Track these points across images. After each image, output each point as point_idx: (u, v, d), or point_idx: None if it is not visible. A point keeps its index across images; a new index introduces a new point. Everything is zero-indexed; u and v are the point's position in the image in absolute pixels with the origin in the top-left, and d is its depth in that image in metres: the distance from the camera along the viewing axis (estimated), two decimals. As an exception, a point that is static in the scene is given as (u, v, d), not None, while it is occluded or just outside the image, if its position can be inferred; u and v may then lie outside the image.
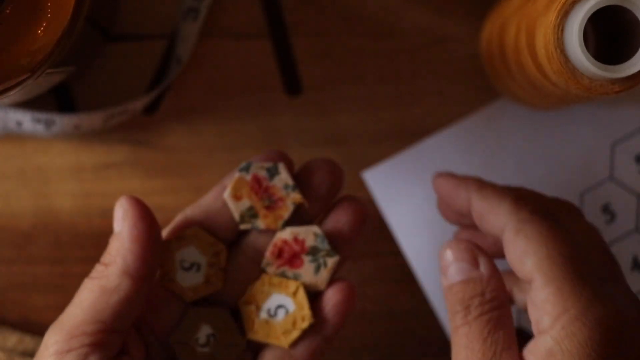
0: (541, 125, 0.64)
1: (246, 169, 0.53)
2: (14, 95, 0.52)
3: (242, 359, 0.54)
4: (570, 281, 0.47)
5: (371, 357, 0.64)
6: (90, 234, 0.65)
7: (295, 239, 0.54)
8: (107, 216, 0.64)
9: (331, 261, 0.55)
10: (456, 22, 0.64)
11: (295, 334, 0.53)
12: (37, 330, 0.65)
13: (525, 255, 0.48)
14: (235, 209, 0.53)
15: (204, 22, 0.64)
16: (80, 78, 0.64)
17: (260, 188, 0.54)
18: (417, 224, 0.64)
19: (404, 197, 0.64)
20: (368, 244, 0.64)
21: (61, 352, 0.49)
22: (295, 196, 0.53)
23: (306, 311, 0.53)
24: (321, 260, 0.55)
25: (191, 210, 0.54)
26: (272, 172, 0.53)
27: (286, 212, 0.54)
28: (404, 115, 0.64)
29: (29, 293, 0.65)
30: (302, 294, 0.53)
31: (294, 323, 0.53)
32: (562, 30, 0.49)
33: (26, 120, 0.61)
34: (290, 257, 0.55)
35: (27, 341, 0.64)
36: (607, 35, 0.54)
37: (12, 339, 0.64)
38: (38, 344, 0.64)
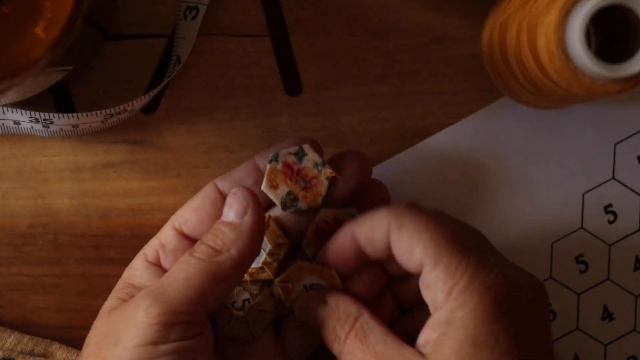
0: (542, 125, 0.64)
1: (275, 158, 0.57)
2: (13, 94, 0.52)
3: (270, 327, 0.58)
4: (456, 257, 0.50)
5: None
6: (88, 234, 0.64)
7: (335, 219, 0.58)
8: (106, 216, 0.64)
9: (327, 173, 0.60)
10: (457, 21, 0.64)
11: None
12: (36, 330, 0.64)
13: (413, 246, 0.51)
14: (276, 198, 0.57)
15: (203, 21, 0.63)
16: (78, 77, 0.64)
17: (292, 172, 0.57)
18: (417, 225, 0.64)
19: (404, 197, 0.64)
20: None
21: (166, 325, 0.51)
22: (327, 171, 0.57)
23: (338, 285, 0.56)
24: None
25: (221, 183, 0.58)
26: (300, 155, 0.57)
27: (322, 187, 0.57)
28: (404, 115, 0.64)
29: (27, 293, 0.65)
30: (336, 278, 0.56)
31: None
32: (564, 29, 0.49)
33: (24, 120, 0.61)
34: (330, 236, 0.58)
35: (26, 341, 0.64)
36: (609, 35, 0.54)
37: (11, 339, 0.64)
38: (36, 344, 0.64)
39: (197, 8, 0.63)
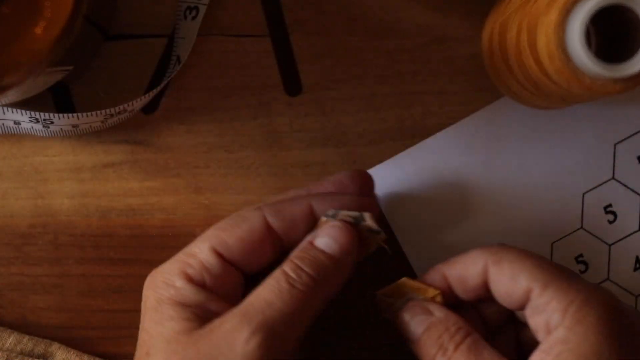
0: (542, 125, 0.64)
1: (333, 216, 0.55)
2: (13, 94, 0.52)
3: None
4: (565, 278, 0.52)
5: (371, 357, 0.64)
6: (88, 234, 0.64)
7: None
8: (106, 216, 0.64)
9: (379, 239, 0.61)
10: (457, 21, 0.64)
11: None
12: (35, 330, 0.64)
13: (517, 275, 0.52)
14: None
15: (203, 21, 0.63)
16: (78, 77, 0.64)
17: None
18: (417, 224, 0.64)
19: (404, 197, 0.64)
20: (368, 245, 0.64)
21: (269, 350, 0.50)
22: (379, 238, 0.56)
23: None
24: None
25: (272, 218, 0.54)
26: (358, 220, 0.55)
27: (371, 247, 0.56)
28: (404, 115, 0.64)
29: (27, 293, 0.65)
30: (441, 299, 0.56)
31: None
32: (564, 29, 0.49)
33: (24, 120, 0.61)
34: None
35: (25, 341, 0.64)
36: (609, 35, 0.54)
37: (10, 339, 0.64)
38: (36, 345, 0.64)
39: (197, 8, 0.63)
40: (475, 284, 0.54)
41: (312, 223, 0.55)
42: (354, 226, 0.54)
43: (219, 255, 0.53)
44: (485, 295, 0.55)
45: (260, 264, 0.54)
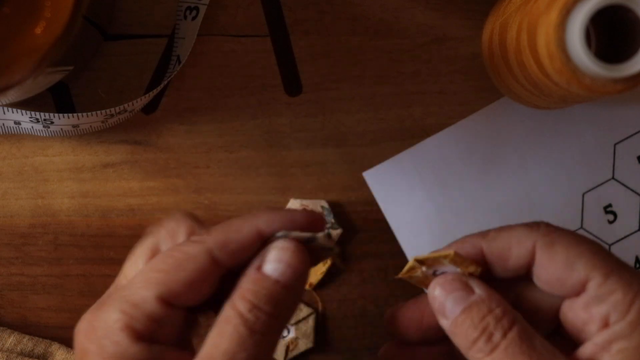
0: (543, 125, 0.64)
1: (283, 237, 0.49)
2: (13, 94, 0.52)
3: None
4: (625, 268, 0.47)
5: (371, 357, 0.64)
6: (89, 234, 0.64)
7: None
8: (106, 216, 0.64)
9: (335, 233, 0.62)
10: (457, 21, 0.64)
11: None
12: (36, 331, 0.64)
13: (574, 261, 0.48)
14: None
15: (203, 21, 0.63)
16: (79, 77, 0.64)
17: None
18: (417, 224, 0.64)
19: (404, 197, 0.64)
20: (368, 244, 0.64)
21: None
22: (333, 253, 0.52)
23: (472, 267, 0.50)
24: (327, 232, 0.57)
25: (219, 252, 0.48)
26: (310, 241, 0.49)
27: (324, 265, 0.53)
28: (404, 115, 0.64)
29: (27, 293, 0.65)
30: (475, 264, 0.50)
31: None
32: (564, 29, 0.49)
33: (25, 120, 0.61)
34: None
35: (25, 342, 0.64)
36: (609, 35, 0.54)
37: (10, 339, 0.64)
38: (36, 345, 0.64)
39: (197, 8, 0.63)
40: (517, 264, 0.49)
41: (260, 247, 0.49)
42: (306, 244, 0.49)
43: (166, 303, 0.47)
44: (520, 277, 0.50)
45: (205, 297, 0.48)
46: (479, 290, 0.48)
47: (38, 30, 0.51)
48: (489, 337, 0.47)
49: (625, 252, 0.64)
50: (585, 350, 0.47)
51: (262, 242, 0.48)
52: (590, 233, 0.64)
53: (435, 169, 0.64)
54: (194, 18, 0.63)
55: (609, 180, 0.64)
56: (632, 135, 0.64)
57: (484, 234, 0.50)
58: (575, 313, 0.48)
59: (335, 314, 0.64)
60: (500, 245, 0.49)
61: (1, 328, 0.64)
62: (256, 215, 0.49)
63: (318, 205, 0.63)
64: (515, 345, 0.46)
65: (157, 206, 0.64)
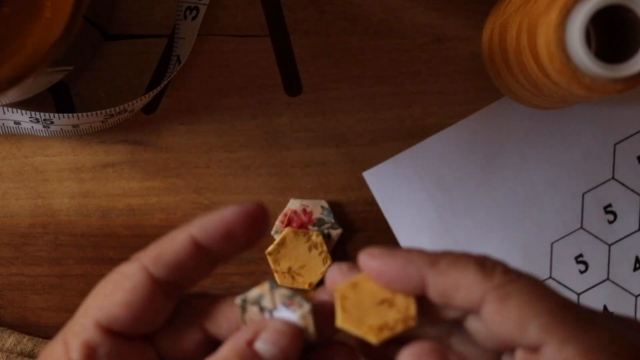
0: (542, 125, 0.64)
1: (272, 288, 0.45)
2: (13, 94, 0.52)
3: None
4: (587, 332, 0.42)
5: (371, 358, 0.64)
6: (88, 234, 0.64)
7: (304, 210, 0.58)
8: (106, 216, 0.64)
9: (335, 233, 0.63)
10: (457, 21, 0.64)
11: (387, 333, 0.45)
12: (35, 331, 0.64)
13: (526, 321, 0.42)
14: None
15: (203, 21, 0.63)
16: (79, 77, 0.64)
17: None
18: (417, 224, 0.64)
19: (404, 197, 0.64)
20: (368, 244, 0.64)
21: None
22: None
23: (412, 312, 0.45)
24: (326, 232, 0.61)
25: (155, 267, 0.45)
26: (293, 297, 0.45)
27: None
28: (404, 115, 0.64)
29: (27, 293, 0.65)
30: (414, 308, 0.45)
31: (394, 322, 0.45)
32: (564, 29, 0.49)
33: (25, 120, 0.61)
34: (298, 226, 0.60)
35: (25, 342, 0.64)
36: (609, 35, 0.54)
37: (10, 339, 0.64)
38: (36, 345, 0.64)
39: (197, 8, 0.63)
40: (459, 307, 0.43)
41: (200, 256, 0.45)
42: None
43: (107, 330, 0.44)
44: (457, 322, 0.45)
45: (158, 320, 0.45)
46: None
47: (38, 30, 0.51)
48: None
49: (625, 252, 0.64)
50: None
51: (201, 253, 0.45)
52: (590, 233, 0.64)
53: (435, 169, 0.64)
54: (194, 18, 0.63)
55: (609, 180, 0.64)
56: (632, 135, 0.64)
57: (433, 262, 0.44)
58: None
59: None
60: (448, 283, 0.43)
61: (1, 328, 0.64)
62: (190, 223, 0.45)
63: (318, 205, 0.63)
64: None
65: (157, 206, 0.64)
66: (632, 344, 0.42)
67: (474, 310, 0.43)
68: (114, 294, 0.44)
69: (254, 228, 0.45)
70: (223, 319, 0.45)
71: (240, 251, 0.45)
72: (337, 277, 0.45)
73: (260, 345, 0.44)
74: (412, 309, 0.44)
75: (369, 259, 0.45)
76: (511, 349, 0.43)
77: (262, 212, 0.45)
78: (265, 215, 0.45)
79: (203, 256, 0.45)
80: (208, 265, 0.45)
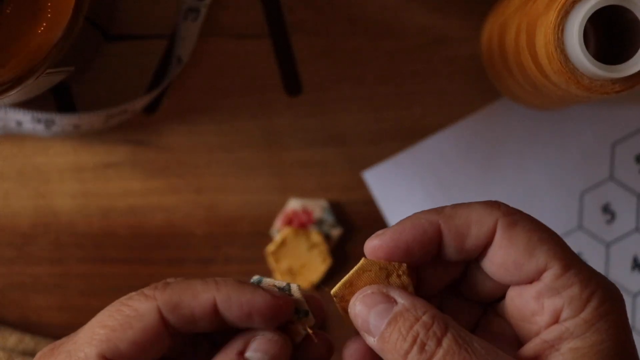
0: (541, 125, 0.64)
1: (257, 282, 0.47)
2: (14, 94, 0.52)
3: None
4: (585, 265, 0.44)
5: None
6: (90, 234, 0.64)
7: (304, 210, 0.58)
8: (107, 216, 0.64)
9: (335, 233, 0.63)
10: (457, 21, 0.64)
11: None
12: (37, 330, 0.65)
13: (534, 246, 0.44)
14: None
15: (204, 22, 0.64)
16: (80, 78, 0.64)
17: None
18: (417, 224, 0.64)
19: (404, 197, 0.64)
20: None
21: None
22: (309, 321, 0.47)
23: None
24: (326, 232, 0.62)
25: (169, 313, 0.45)
26: (285, 291, 0.47)
27: (296, 337, 0.47)
28: (404, 115, 0.64)
29: (29, 293, 0.65)
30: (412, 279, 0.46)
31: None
32: (563, 30, 0.49)
33: (26, 120, 0.61)
34: (298, 226, 0.60)
35: (27, 341, 0.64)
36: (608, 35, 0.54)
37: (12, 338, 0.64)
38: (38, 344, 0.64)
39: (197, 9, 0.63)
40: (475, 244, 0.45)
41: (214, 319, 0.45)
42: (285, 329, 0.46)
43: None
44: (471, 259, 0.46)
45: (159, 355, 0.46)
46: (401, 299, 0.44)
47: (39, 31, 0.51)
48: (422, 347, 0.43)
49: (623, 252, 0.64)
50: (533, 346, 0.44)
51: (216, 317, 0.45)
52: (589, 232, 0.64)
53: (435, 169, 0.64)
54: (194, 19, 0.63)
55: (607, 180, 0.64)
56: (630, 135, 0.64)
57: (438, 210, 0.45)
58: (524, 301, 0.45)
59: (336, 313, 0.64)
60: (459, 222, 0.45)
61: (3, 327, 0.64)
62: (218, 284, 0.45)
63: (318, 205, 0.63)
64: (454, 353, 0.42)
65: (157, 206, 0.64)
66: (618, 289, 0.44)
67: (486, 243, 0.45)
68: (123, 330, 0.44)
69: (276, 317, 0.45)
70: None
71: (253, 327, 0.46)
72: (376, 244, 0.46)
73: (252, 355, 0.45)
74: (404, 266, 0.45)
75: (379, 237, 0.45)
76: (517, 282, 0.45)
77: (288, 307, 0.46)
78: (289, 309, 0.46)
79: (215, 319, 0.45)
80: (213, 326, 0.46)
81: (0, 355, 0.63)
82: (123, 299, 0.46)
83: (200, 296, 0.45)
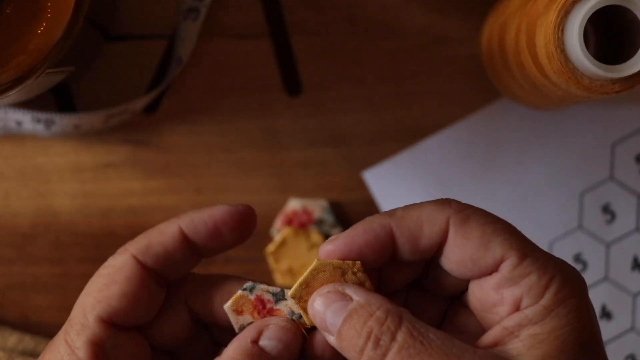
0: (541, 125, 0.64)
1: (250, 289, 0.47)
2: (14, 95, 0.52)
3: None
4: (542, 252, 0.44)
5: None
6: (90, 233, 0.64)
7: (304, 210, 0.58)
8: (107, 216, 0.64)
9: (335, 233, 0.63)
10: (456, 21, 0.64)
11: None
12: (37, 330, 0.65)
13: (489, 239, 0.44)
14: (235, 322, 0.49)
15: (204, 22, 0.64)
16: (80, 78, 0.64)
17: (264, 309, 0.49)
18: (417, 224, 0.64)
19: (404, 197, 0.64)
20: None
21: None
22: (301, 323, 0.48)
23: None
24: (326, 232, 0.62)
25: (143, 256, 0.46)
26: (278, 297, 0.48)
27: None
28: (404, 115, 0.64)
29: (29, 293, 0.65)
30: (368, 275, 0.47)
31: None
32: (563, 30, 0.49)
33: (26, 120, 0.61)
34: (298, 226, 0.60)
35: (27, 341, 0.64)
36: (608, 35, 0.54)
37: (12, 338, 0.64)
38: (38, 344, 0.64)
39: (198, 9, 0.63)
40: (429, 243, 0.45)
41: (187, 249, 0.47)
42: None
43: (109, 323, 0.46)
44: (428, 259, 0.46)
45: (153, 309, 0.47)
46: (356, 296, 0.44)
47: (39, 31, 0.51)
48: (376, 342, 0.43)
49: (623, 252, 0.64)
50: (493, 333, 0.44)
51: (189, 246, 0.46)
52: (589, 232, 0.64)
53: (435, 169, 0.64)
54: (195, 19, 0.63)
55: (607, 180, 0.64)
56: (630, 135, 0.64)
57: (390, 213, 0.46)
58: (485, 293, 0.45)
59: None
60: (411, 223, 0.45)
61: (3, 327, 0.64)
62: (179, 216, 0.47)
63: (318, 205, 0.63)
64: (409, 346, 0.42)
65: (158, 206, 0.64)
66: (578, 273, 0.45)
67: (440, 241, 0.45)
68: (108, 287, 0.46)
69: (241, 229, 0.47)
70: (207, 299, 0.47)
71: (225, 249, 0.47)
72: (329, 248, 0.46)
73: (266, 343, 0.45)
74: (358, 263, 0.45)
75: (332, 242, 0.46)
76: (476, 276, 0.45)
77: (250, 214, 0.47)
78: (252, 217, 0.47)
79: (189, 250, 0.46)
80: (193, 259, 0.47)
81: (0, 355, 0.63)
82: (100, 268, 0.47)
83: (166, 231, 0.46)
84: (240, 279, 0.47)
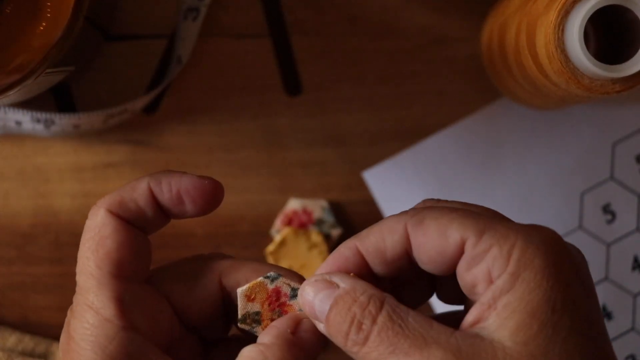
0: (541, 125, 0.64)
1: (272, 279, 0.49)
2: (14, 94, 0.52)
3: None
4: (500, 222, 0.45)
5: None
6: (90, 234, 0.64)
7: (304, 210, 0.58)
8: (107, 216, 0.64)
9: (335, 233, 0.63)
10: (456, 21, 0.64)
11: None
12: (37, 330, 0.65)
13: (446, 229, 0.45)
14: (243, 307, 0.50)
15: (204, 22, 0.64)
16: (80, 78, 0.64)
17: (276, 301, 0.50)
18: (417, 224, 0.64)
19: (404, 197, 0.64)
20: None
21: None
22: None
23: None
24: (326, 232, 0.62)
25: (116, 208, 0.48)
26: (295, 294, 0.49)
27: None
28: (404, 115, 0.64)
29: (29, 293, 0.65)
30: None
31: None
32: (563, 29, 0.49)
33: (26, 120, 0.61)
34: (298, 226, 0.61)
35: (27, 341, 0.64)
36: (608, 35, 0.54)
37: (12, 338, 0.64)
38: (38, 344, 0.64)
39: (197, 9, 0.63)
40: (395, 254, 0.46)
41: (157, 207, 0.48)
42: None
43: (120, 277, 0.47)
44: (407, 268, 0.47)
45: (149, 259, 0.49)
46: (342, 283, 0.46)
47: (39, 31, 0.51)
48: (359, 326, 0.44)
49: (624, 252, 0.64)
50: (474, 311, 0.44)
51: (156, 201, 0.48)
52: (589, 232, 0.64)
53: (435, 169, 0.64)
54: (194, 19, 0.63)
55: (608, 180, 0.64)
56: (630, 135, 0.64)
57: (356, 235, 0.47)
58: (462, 279, 0.45)
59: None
60: (374, 238, 0.47)
61: (2, 327, 0.64)
62: (151, 174, 0.49)
63: (318, 205, 0.63)
64: (388, 329, 0.44)
65: (157, 206, 0.64)
66: (544, 230, 0.45)
67: (406, 249, 0.46)
68: (102, 244, 0.48)
69: (203, 202, 0.49)
70: (242, 278, 0.49)
71: (188, 216, 0.49)
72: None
73: (303, 335, 0.47)
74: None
75: (312, 287, 0.47)
76: (451, 269, 0.46)
77: (214, 189, 0.49)
78: (217, 192, 0.49)
79: (158, 208, 0.48)
80: (162, 219, 0.49)
81: (0, 355, 0.63)
82: (82, 236, 0.49)
83: (137, 187, 0.48)
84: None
